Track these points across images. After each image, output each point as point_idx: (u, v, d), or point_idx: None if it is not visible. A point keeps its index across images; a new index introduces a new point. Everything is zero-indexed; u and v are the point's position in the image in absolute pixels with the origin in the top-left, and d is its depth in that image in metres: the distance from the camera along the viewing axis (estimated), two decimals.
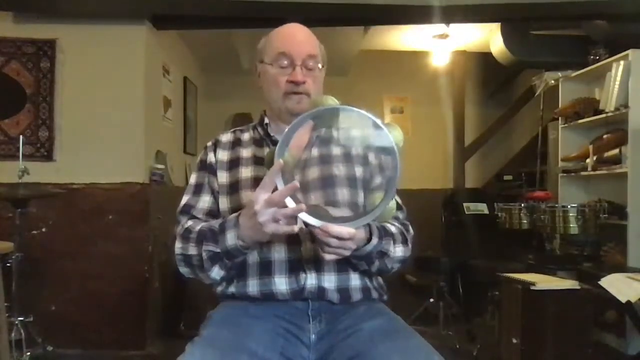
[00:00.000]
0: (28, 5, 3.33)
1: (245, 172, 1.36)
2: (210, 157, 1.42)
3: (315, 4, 3.15)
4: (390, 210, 1.11)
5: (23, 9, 3.36)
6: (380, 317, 1.25)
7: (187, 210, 1.39)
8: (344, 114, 1.11)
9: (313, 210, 1.14)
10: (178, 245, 1.31)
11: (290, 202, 1.11)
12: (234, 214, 1.23)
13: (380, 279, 1.40)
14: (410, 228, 1.39)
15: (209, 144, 1.46)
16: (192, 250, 1.26)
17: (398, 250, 1.30)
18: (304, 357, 1.22)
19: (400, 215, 1.39)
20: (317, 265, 1.27)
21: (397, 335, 1.18)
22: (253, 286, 1.28)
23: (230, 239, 1.19)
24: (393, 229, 1.32)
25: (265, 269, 1.27)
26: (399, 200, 1.38)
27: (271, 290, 1.26)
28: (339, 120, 1.17)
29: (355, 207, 1.30)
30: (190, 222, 1.34)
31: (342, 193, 1.31)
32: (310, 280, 1.25)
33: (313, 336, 1.24)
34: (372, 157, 1.41)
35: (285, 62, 1.36)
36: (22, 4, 3.32)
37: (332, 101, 1.11)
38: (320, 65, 1.40)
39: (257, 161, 1.38)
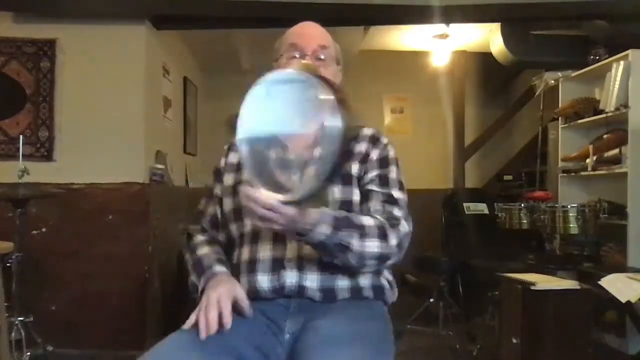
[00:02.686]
0: (28, 5, 3.33)
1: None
2: (221, 162, 1.48)
3: (315, 4, 3.15)
4: (325, 197, 1.07)
5: (23, 9, 3.36)
6: (347, 319, 1.20)
7: (199, 218, 1.49)
8: (306, 84, 1.04)
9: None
10: (186, 253, 1.44)
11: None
12: (216, 273, 1.29)
13: (384, 278, 1.37)
14: (402, 225, 1.29)
15: (225, 147, 1.52)
16: (190, 262, 1.41)
17: (370, 246, 1.22)
18: (278, 355, 1.22)
19: (396, 210, 1.32)
20: (300, 263, 1.27)
21: (341, 344, 1.12)
22: (243, 284, 1.29)
23: (201, 285, 1.29)
24: (367, 221, 1.25)
25: (252, 267, 1.30)
26: (397, 195, 1.35)
27: (255, 288, 1.28)
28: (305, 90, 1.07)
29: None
30: (198, 237, 1.45)
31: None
32: (290, 278, 1.26)
33: (287, 335, 1.24)
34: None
35: (296, 53, 1.39)
36: (22, 4, 3.32)
37: (311, 69, 1.10)
38: (333, 59, 1.42)
39: None
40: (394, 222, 1.28)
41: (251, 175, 1.09)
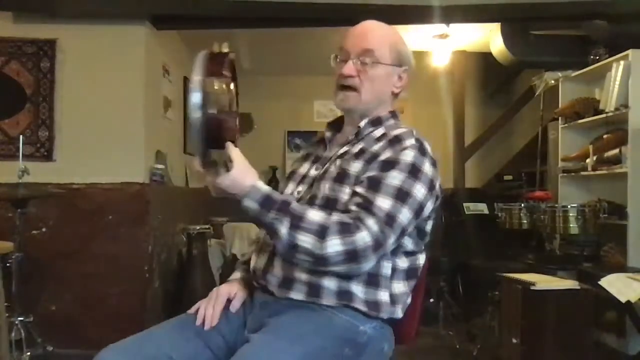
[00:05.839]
0: (28, 5, 3.33)
1: (296, 166, 1.46)
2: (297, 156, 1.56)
3: (314, 4, 3.15)
4: (211, 160, 1.20)
5: (23, 9, 3.36)
6: (279, 339, 1.15)
7: None
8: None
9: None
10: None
11: None
12: (229, 280, 1.42)
13: (379, 293, 1.25)
14: (360, 235, 1.14)
15: None
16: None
17: (302, 240, 1.14)
18: (237, 348, 1.20)
19: (368, 219, 1.16)
20: (273, 249, 1.27)
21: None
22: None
23: None
24: (312, 215, 1.17)
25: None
26: (380, 202, 1.18)
27: (253, 267, 1.36)
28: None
29: None
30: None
31: (325, 188, 1.28)
32: (261, 261, 1.31)
33: (247, 332, 1.25)
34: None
35: (342, 56, 1.38)
36: (22, 4, 3.32)
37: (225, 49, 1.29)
38: (382, 61, 1.35)
39: (306, 157, 1.46)
40: (351, 227, 1.15)
41: (193, 149, 1.20)
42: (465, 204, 4.42)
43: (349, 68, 1.34)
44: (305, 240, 1.14)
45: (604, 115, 3.46)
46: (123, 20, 3.38)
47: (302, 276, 1.22)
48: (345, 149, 1.36)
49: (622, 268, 2.92)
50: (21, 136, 3.10)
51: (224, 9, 3.34)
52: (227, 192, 1.17)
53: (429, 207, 1.29)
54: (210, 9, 3.34)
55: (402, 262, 1.31)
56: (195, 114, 1.12)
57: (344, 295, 1.22)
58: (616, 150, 3.40)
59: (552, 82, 3.88)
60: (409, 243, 1.32)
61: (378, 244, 1.16)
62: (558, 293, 2.52)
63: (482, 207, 4.39)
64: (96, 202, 3.35)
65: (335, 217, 1.17)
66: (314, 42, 3.44)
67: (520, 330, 2.53)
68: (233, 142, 1.17)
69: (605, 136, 3.61)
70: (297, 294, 1.22)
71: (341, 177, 1.27)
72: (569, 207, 3.13)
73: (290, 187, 1.39)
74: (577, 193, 3.84)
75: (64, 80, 3.39)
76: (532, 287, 2.51)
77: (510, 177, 4.98)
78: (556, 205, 3.27)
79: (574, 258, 3.27)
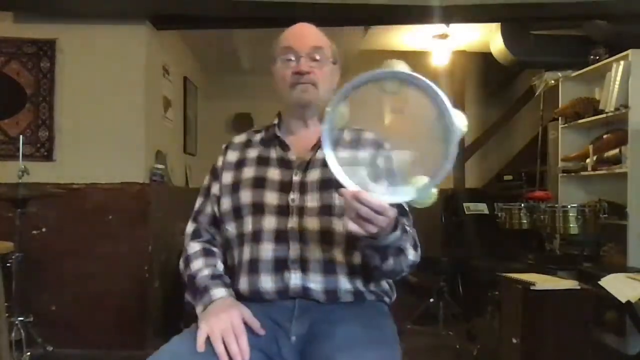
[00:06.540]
0: (28, 5, 3.33)
1: (248, 172, 1.37)
2: (219, 162, 1.45)
3: (315, 4, 3.15)
4: (431, 195, 1.04)
5: (23, 9, 3.36)
6: (359, 323, 1.21)
7: (196, 217, 1.44)
8: (410, 85, 1.07)
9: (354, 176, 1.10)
10: (181, 262, 1.40)
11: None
12: (214, 299, 1.25)
13: (383, 283, 1.36)
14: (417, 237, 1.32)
15: (223, 146, 1.49)
16: (185, 277, 1.37)
17: (411, 253, 1.24)
18: (284, 358, 1.21)
19: (407, 222, 1.30)
20: (303, 265, 1.26)
21: (361, 349, 1.13)
22: (243, 284, 1.29)
23: (198, 309, 1.26)
24: (409, 230, 1.27)
25: (254, 267, 1.28)
26: (406, 207, 1.32)
27: (258, 289, 1.27)
28: (403, 90, 1.11)
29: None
30: (193, 245, 1.39)
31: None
32: (294, 280, 1.25)
33: (294, 337, 1.22)
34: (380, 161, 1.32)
35: (291, 56, 1.37)
36: (22, 4, 3.32)
37: (403, 67, 1.07)
38: (329, 59, 1.40)
39: (260, 161, 1.38)
40: (415, 234, 1.29)
41: (343, 178, 1.08)
42: (465, 204, 4.42)
43: (305, 65, 1.35)
44: (411, 253, 1.24)
45: (604, 115, 3.46)
46: (123, 20, 3.38)
47: (347, 286, 1.27)
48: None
49: (622, 268, 2.93)
50: (21, 136, 3.10)
51: (224, 9, 3.34)
52: (387, 226, 1.08)
53: None
54: (210, 9, 3.34)
55: None
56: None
57: (377, 292, 1.33)
58: (616, 150, 3.41)
59: (552, 82, 3.89)
60: None
61: None
62: (558, 293, 2.51)
63: (482, 207, 4.38)
64: (96, 202, 3.35)
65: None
66: None
67: (520, 330, 2.52)
68: None
69: (605, 136, 3.61)
70: (346, 299, 1.28)
71: (328, 183, 1.27)
72: (569, 207, 3.13)
73: (271, 196, 1.31)
74: (577, 193, 3.84)
75: (64, 80, 3.39)
76: (532, 287, 2.50)
77: (510, 177, 4.98)
78: (556, 205, 3.28)
79: (574, 258, 3.27)
